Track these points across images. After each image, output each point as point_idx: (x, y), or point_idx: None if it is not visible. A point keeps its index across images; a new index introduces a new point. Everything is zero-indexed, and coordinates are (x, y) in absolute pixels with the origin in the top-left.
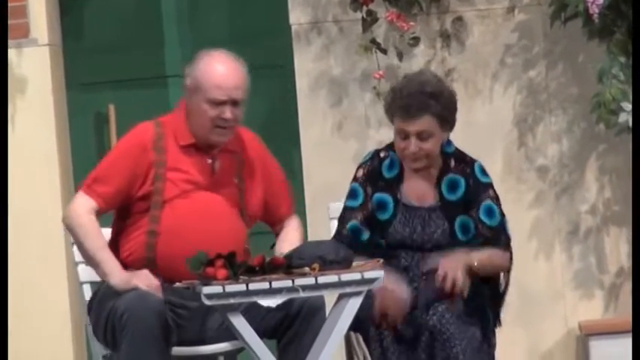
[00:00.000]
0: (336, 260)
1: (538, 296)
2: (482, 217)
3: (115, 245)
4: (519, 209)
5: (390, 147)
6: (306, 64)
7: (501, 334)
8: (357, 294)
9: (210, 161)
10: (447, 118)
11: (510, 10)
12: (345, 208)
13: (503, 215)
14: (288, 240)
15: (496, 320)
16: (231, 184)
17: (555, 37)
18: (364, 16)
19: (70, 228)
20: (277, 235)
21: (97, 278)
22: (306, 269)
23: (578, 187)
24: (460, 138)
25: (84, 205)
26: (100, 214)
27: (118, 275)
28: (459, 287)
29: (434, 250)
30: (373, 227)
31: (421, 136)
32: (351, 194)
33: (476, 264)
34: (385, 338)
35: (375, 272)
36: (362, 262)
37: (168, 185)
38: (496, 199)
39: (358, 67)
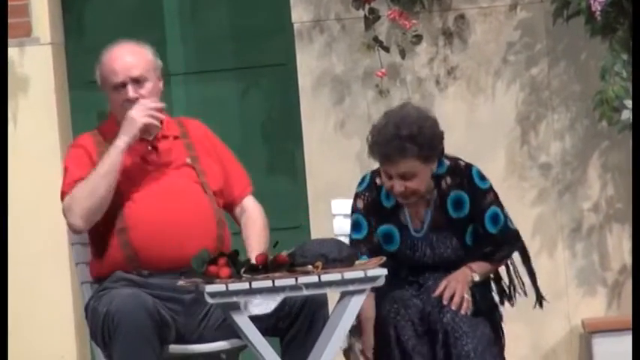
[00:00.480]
0: (339, 258)
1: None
2: (489, 226)
3: (93, 253)
4: (522, 207)
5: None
6: (308, 63)
7: (505, 332)
8: (360, 292)
9: (150, 148)
10: (428, 155)
11: (513, 8)
12: (351, 242)
13: (502, 208)
14: (254, 238)
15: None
16: (182, 164)
17: (558, 34)
18: (366, 14)
19: (70, 204)
20: (238, 222)
21: None
22: (309, 267)
23: (580, 185)
24: (463, 136)
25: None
26: None
27: (121, 141)
28: (458, 300)
29: (445, 268)
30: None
31: (405, 177)
32: (355, 226)
33: (477, 278)
34: (403, 335)
35: (378, 270)
36: (365, 260)
37: (121, 183)
38: (497, 202)
39: (361, 65)
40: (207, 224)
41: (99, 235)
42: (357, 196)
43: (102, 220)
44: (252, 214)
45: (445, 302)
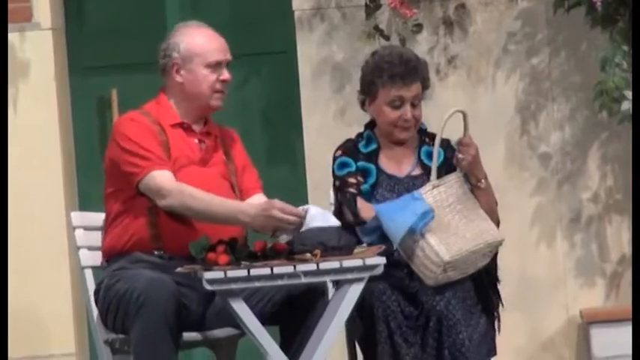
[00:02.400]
0: (338, 247)
1: (539, 284)
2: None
3: (112, 229)
4: (521, 197)
5: (362, 133)
6: (308, 51)
7: (502, 321)
8: (359, 280)
9: (196, 141)
10: (427, 84)
11: None
12: (343, 176)
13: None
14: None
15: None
16: (220, 161)
17: (558, 24)
18: (367, 2)
19: (178, 207)
20: None
21: (99, 263)
22: (308, 255)
23: (580, 175)
24: (462, 125)
25: (165, 178)
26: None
27: (249, 213)
28: (469, 159)
29: None
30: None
31: (414, 102)
32: (342, 165)
33: (484, 181)
34: (392, 320)
35: (377, 259)
36: (364, 249)
37: (174, 161)
38: None
39: (361, 54)
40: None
41: (125, 209)
42: (335, 151)
43: (132, 194)
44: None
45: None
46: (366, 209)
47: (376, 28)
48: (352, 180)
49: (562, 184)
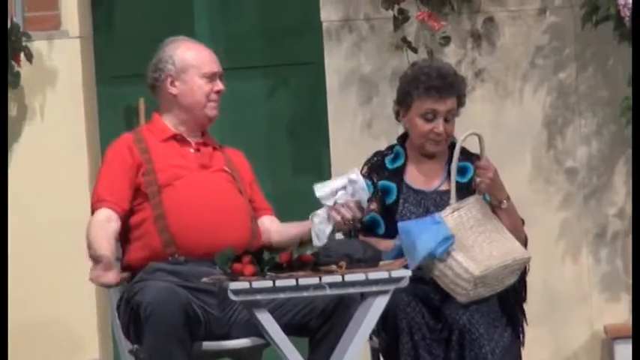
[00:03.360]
0: (364, 259)
1: (564, 298)
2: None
3: (126, 246)
4: (547, 211)
5: (393, 146)
6: (336, 62)
7: (527, 336)
8: (384, 293)
9: (192, 150)
10: (463, 100)
11: (542, 12)
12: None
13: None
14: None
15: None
16: (221, 170)
17: (586, 39)
18: (396, 14)
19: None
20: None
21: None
22: (333, 267)
23: (606, 190)
24: (489, 139)
25: (98, 217)
26: (121, 216)
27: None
28: (487, 181)
29: None
30: (384, 215)
31: (447, 117)
32: None
33: (505, 202)
34: (416, 332)
35: (402, 271)
36: (389, 261)
37: (159, 173)
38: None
39: (389, 66)
40: (242, 217)
41: (135, 223)
42: (363, 165)
43: (139, 209)
44: (279, 223)
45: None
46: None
47: (404, 40)
48: (369, 204)
49: (588, 199)
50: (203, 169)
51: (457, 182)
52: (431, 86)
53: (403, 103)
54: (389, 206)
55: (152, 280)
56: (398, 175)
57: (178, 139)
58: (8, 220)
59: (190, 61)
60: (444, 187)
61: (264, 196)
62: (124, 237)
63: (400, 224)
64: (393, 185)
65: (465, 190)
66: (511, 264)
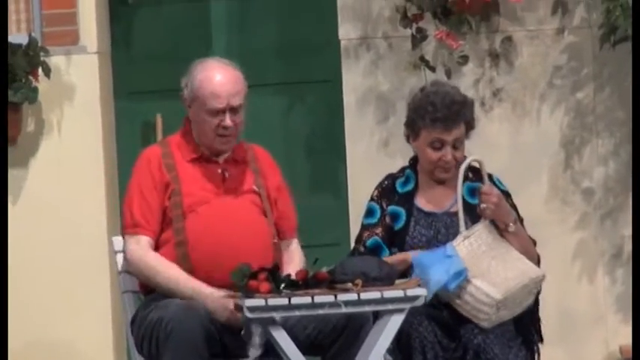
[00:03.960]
0: (379, 277)
1: (580, 319)
2: None
3: None
4: (564, 231)
5: (405, 168)
6: (354, 80)
7: (542, 356)
8: (399, 311)
9: (219, 171)
10: (472, 124)
11: (560, 32)
12: (363, 226)
13: (521, 221)
14: (293, 264)
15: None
16: (248, 190)
17: (604, 59)
18: (414, 33)
19: (137, 273)
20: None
21: (138, 288)
22: (349, 285)
23: (622, 211)
24: (507, 158)
25: (138, 245)
26: (154, 243)
27: (215, 299)
28: (491, 207)
29: None
30: (392, 241)
31: (455, 145)
32: (369, 212)
33: (512, 225)
34: (429, 351)
35: (418, 290)
36: (405, 280)
37: (185, 197)
38: (513, 206)
39: (406, 84)
40: (265, 249)
41: (156, 246)
42: (375, 189)
43: (161, 231)
44: (294, 255)
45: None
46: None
47: (422, 58)
48: (366, 234)
49: (604, 220)
50: (229, 193)
51: (468, 203)
52: (436, 118)
53: (412, 130)
54: (397, 232)
55: (168, 299)
56: (408, 199)
57: (205, 158)
58: (24, 233)
59: (198, 93)
60: (454, 209)
61: (292, 209)
62: None
63: (414, 257)
64: (402, 210)
65: (476, 212)
66: (528, 284)
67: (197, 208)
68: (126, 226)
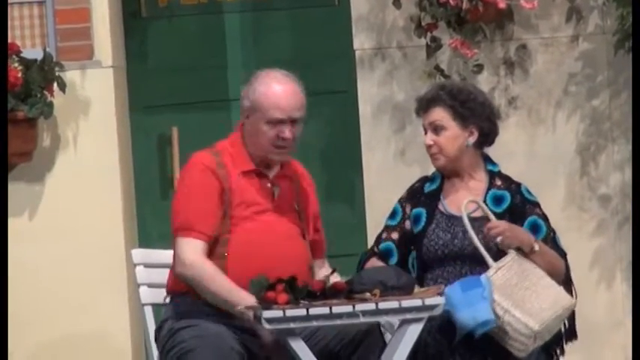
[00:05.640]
0: (397, 286)
1: (598, 325)
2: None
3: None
4: (581, 238)
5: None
6: (369, 90)
7: None
8: (418, 320)
9: (269, 185)
10: (460, 111)
11: (575, 39)
12: (385, 226)
13: (553, 232)
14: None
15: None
16: (291, 208)
17: (619, 66)
18: (428, 42)
19: (191, 279)
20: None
21: (160, 300)
22: (367, 294)
23: None
24: (523, 165)
25: (193, 250)
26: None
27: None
28: (507, 238)
29: (471, 255)
30: (409, 244)
31: (434, 128)
32: (392, 214)
33: (537, 247)
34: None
35: (436, 299)
36: (424, 289)
37: (236, 209)
38: (543, 216)
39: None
40: (301, 269)
41: None
42: (406, 190)
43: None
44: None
45: (486, 230)
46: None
47: (437, 68)
48: (384, 235)
49: (622, 226)
50: (275, 210)
51: (492, 211)
52: (418, 102)
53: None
54: (417, 234)
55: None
56: (432, 199)
57: (257, 172)
58: (42, 248)
59: (258, 104)
60: (476, 214)
61: (322, 232)
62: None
63: (447, 290)
64: (423, 212)
65: (499, 219)
66: (562, 313)
67: (243, 223)
68: (180, 228)
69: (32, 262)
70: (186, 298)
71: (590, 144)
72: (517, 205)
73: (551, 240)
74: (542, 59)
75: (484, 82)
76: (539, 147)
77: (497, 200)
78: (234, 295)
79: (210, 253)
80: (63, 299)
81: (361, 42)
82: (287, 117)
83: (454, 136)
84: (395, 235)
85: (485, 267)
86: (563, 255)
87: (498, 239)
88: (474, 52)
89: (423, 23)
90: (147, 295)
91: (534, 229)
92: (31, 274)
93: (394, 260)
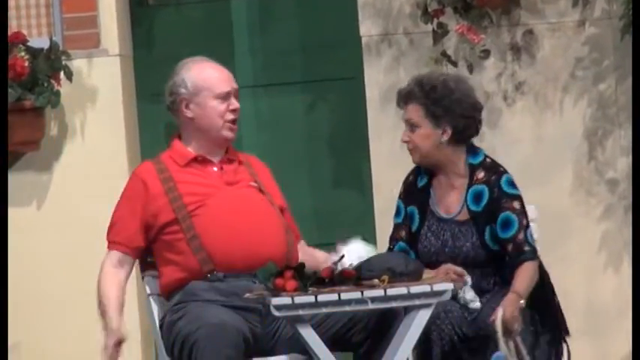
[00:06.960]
0: (406, 272)
1: (606, 310)
2: (498, 229)
3: (162, 269)
4: (589, 222)
5: None
6: (376, 76)
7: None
8: (427, 306)
9: (215, 169)
10: (432, 110)
11: (581, 24)
12: (394, 225)
13: (526, 226)
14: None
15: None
16: (247, 185)
17: (626, 50)
18: (435, 28)
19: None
20: None
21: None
22: (376, 281)
23: None
24: (530, 151)
25: (109, 260)
26: (133, 258)
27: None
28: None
29: (463, 264)
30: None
31: (409, 125)
32: (396, 211)
33: (522, 302)
34: (447, 344)
35: (445, 284)
36: (432, 275)
37: (187, 198)
38: (519, 211)
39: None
40: (276, 229)
41: (169, 247)
42: (402, 184)
43: (171, 232)
44: (311, 248)
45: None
46: None
47: (444, 54)
48: (395, 235)
49: (629, 210)
50: (229, 185)
51: (473, 211)
52: (397, 96)
53: None
54: (414, 234)
55: (200, 307)
56: (423, 197)
57: (200, 160)
58: (49, 237)
59: (202, 84)
60: (461, 217)
61: (291, 218)
62: (160, 259)
63: None
64: (415, 211)
65: (481, 219)
66: None
67: (201, 203)
68: (107, 240)
69: (40, 251)
70: (177, 293)
71: (597, 128)
72: (494, 199)
73: (523, 237)
74: (549, 44)
75: (491, 67)
76: (546, 132)
77: (477, 198)
78: (109, 312)
79: (182, 240)
80: (70, 288)
81: (368, 28)
82: (232, 88)
83: (427, 134)
84: (403, 234)
85: (480, 270)
86: (533, 252)
87: (509, 325)
88: (481, 37)
89: (429, 9)
90: (151, 286)
91: (504, 225)
92: (39, 263)
93: (412, 257)
